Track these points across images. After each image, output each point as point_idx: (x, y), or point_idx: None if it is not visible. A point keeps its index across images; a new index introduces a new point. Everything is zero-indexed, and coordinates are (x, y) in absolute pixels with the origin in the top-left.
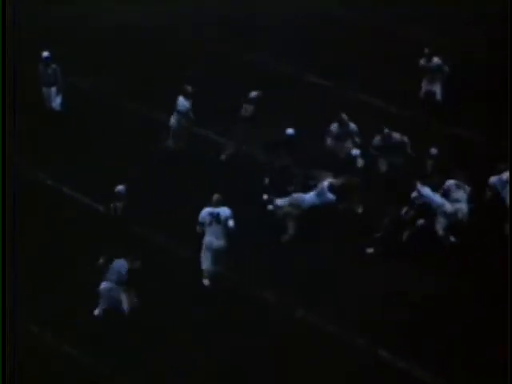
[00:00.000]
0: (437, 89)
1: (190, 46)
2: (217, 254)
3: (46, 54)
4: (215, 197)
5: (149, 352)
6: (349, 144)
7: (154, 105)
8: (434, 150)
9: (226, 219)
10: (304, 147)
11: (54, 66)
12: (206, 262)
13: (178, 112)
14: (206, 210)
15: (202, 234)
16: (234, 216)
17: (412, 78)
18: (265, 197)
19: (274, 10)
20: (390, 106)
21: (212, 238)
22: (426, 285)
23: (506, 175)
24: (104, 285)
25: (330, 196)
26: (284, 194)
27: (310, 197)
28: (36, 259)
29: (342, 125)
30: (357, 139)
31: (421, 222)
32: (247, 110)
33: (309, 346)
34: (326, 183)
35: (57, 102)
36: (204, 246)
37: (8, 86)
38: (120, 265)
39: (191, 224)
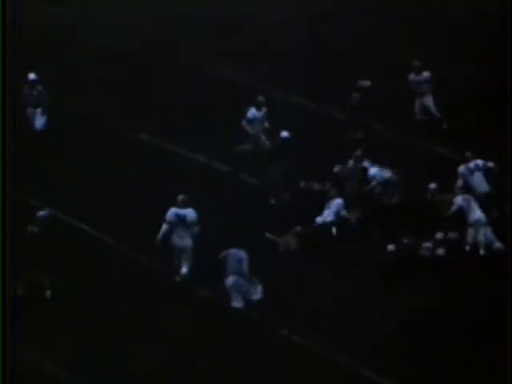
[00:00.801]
0: (429, 102)
1: (177, 65)
2: (182, 254)
3: (32, 76)
4: (180, 197)
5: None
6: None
7: (135, 124)
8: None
9: (192, 224)
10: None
11: (39, 87)
12: (177, 260)
13: (249, 121)
14: (173, 211)
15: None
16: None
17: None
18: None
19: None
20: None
21: (176, 238)
22: (412, 303)
23: (473, 163)
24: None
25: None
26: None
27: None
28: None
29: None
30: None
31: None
32: (355, 98)
33: (293, 364)
34: (339, 201)
35: (41, 122)
36: (172, 245)
37: None
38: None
39: None
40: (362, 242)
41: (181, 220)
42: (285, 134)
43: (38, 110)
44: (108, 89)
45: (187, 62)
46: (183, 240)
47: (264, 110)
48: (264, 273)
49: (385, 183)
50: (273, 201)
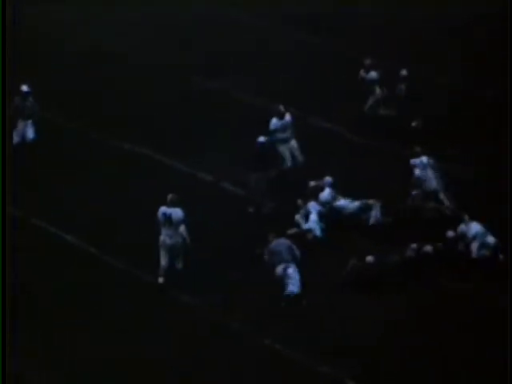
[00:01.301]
0: (374, 100)
1: (164, 76)
2: (173, 252)
3: (25, 88)
4: (170, 196)
5: None
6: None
7: (120, 134)
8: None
9: (178, 223)
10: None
11: (31, 99)
12: (163, 260)
13: (272, 131)
14: (161, 210)
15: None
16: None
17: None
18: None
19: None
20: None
21: (165, 237)
22: (393, 313)
23: (424, 158)
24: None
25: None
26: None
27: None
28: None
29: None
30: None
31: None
32: (401, 89)
33: (276, 374)
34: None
35: (30, 133)
36: (160, 244)
37: None
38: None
39: None
40: (342, 252)
41: (167, 219)
42: (261, 139)
43: (29, 122)
44: (92, 99)
45: (172, 74)
46: (172, 239)
47: (287, 118)
48: (247, 282)
49: (354, 213)
50: (251, 209)
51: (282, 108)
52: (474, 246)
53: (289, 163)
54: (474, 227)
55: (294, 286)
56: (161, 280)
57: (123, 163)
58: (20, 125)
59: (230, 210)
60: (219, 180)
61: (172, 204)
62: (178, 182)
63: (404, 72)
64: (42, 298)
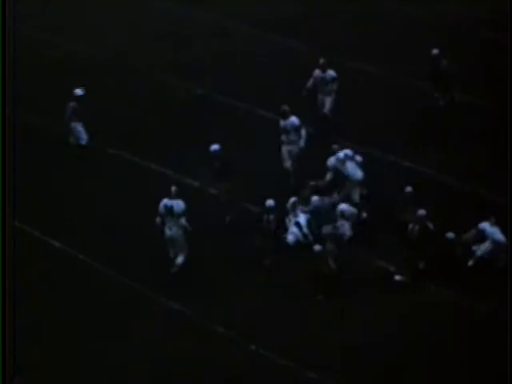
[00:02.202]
0: (327, 101)
1: (149, 80)
2: (175, 244)
3: (79, 91)
4: (173, 188)
5: None
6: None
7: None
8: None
9: (179, 214)
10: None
11: (84, 103)
12: (170, 253)
13: (281, 132)
14: (163, 202)
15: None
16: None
17: None
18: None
19: None
20: None
21: (166, 229)
22: (382, 318)
23: (342, 154)
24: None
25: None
26: None
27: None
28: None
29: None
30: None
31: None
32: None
33: (260, 379)
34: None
35: (85, 137)
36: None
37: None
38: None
39: None
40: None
41: (168, 210)
42: (215, 147)
43: (81, 125)
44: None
45: (156, 77)
46: (172, 230)
47: (292, 118)
48: (230, 288)
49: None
50: (228, 218)
51: (286, 108)
52: (486, 246)
53: (285, 164)
54: (495, 231)
55: (346, 229)
56: (174, 269)
57: (110, 169)
58: (74, 128)
59: (216, 215)
60: (204, 186)
61: (175, 196)
62: (165, 188)
63: (435, 51)
64: (29, 305)
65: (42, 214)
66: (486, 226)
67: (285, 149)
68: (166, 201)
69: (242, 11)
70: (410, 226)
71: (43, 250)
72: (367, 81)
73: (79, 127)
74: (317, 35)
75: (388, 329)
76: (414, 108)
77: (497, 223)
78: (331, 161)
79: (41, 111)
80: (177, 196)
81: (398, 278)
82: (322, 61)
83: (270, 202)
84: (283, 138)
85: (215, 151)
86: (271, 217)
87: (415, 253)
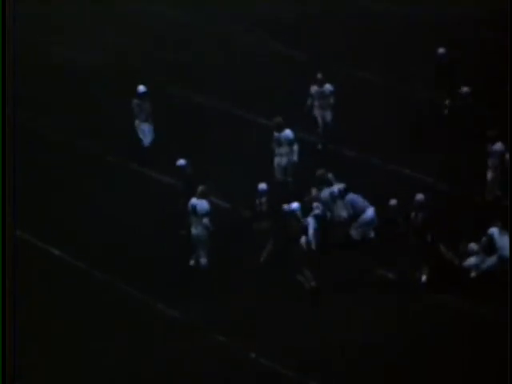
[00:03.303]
0: (327, 115)
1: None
2: (198, 244)
3: (142, 88)
4: (200, 188)
5: None
6: None
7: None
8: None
9: (203, 214)
10: None
11: (148, 100)
12: (192, 256)
13: (275, 144)
14: (191, 201)
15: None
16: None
17: None
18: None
19: None
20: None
21: (192, 228)
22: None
23: (335, 190)
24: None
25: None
26: None
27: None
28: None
29: None
30: None
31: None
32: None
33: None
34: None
35: (150, 137)
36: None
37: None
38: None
39: None
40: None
41: (193, 210)
42: (181, 161)
43: (147, 125)
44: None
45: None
46: (196, 229)
47: (287, 131)
48: (229, 295)
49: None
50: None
51: (280, 121)
52: (491, 261)
53: (277, 176)
54: (504, 243)
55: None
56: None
57: (109, 176)
58: (139, 127)
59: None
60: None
61: (201, 196)
62: (165, 194)
63: (441, 50)
64: (28, 312)
65: (42, 218)
66: (494, 231)
67: (276, 160)
68: (193, 200)
69: (242, 11)
70: (413, 214)
71: (43, 256)
72: (366, 87)
73: (143, 126)
74: (316, 38)
75: (388, 329)
76: (414, 115)
77: (504, 226)
78: (325, 194)
79: (41, 111)
80: (202, 196)
81: (424, 278)
82: (319, 76)
83: (262, 185)
84: (275, 149)
85: (182, 166)
86: (263, 199)
87: (420, 247)
